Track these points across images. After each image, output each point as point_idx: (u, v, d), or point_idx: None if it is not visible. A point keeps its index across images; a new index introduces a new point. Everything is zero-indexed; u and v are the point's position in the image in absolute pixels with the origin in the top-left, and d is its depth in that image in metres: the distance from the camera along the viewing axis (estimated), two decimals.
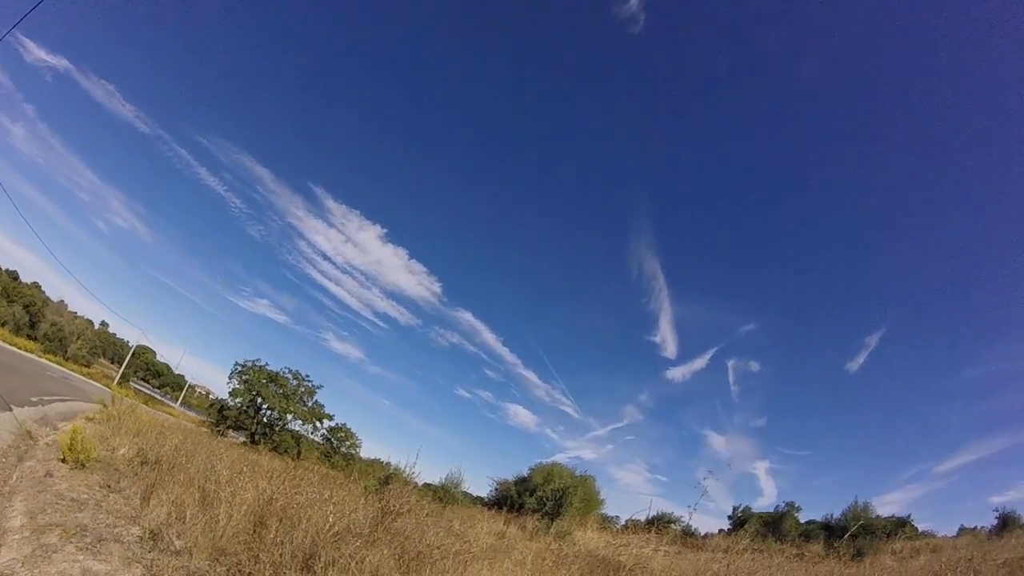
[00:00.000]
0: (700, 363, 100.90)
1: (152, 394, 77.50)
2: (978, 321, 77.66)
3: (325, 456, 37.63)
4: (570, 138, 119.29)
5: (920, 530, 29.69)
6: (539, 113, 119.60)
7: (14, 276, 76.39)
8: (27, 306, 59.00)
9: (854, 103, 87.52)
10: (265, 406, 38.93)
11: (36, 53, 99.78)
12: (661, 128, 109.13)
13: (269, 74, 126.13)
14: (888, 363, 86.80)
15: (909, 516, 30.58)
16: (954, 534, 29.27)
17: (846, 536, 26.24)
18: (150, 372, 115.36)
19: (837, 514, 30.95)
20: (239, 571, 6.84)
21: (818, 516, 32.83)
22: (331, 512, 9.00)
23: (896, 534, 27.02)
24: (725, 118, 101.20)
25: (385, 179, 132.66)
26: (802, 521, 33.00)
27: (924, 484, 74.97)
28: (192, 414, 68.84)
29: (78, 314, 79.07)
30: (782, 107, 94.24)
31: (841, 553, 21.57)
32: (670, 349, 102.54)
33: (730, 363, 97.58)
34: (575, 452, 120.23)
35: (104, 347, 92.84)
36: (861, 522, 27.85)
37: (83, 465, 10.46)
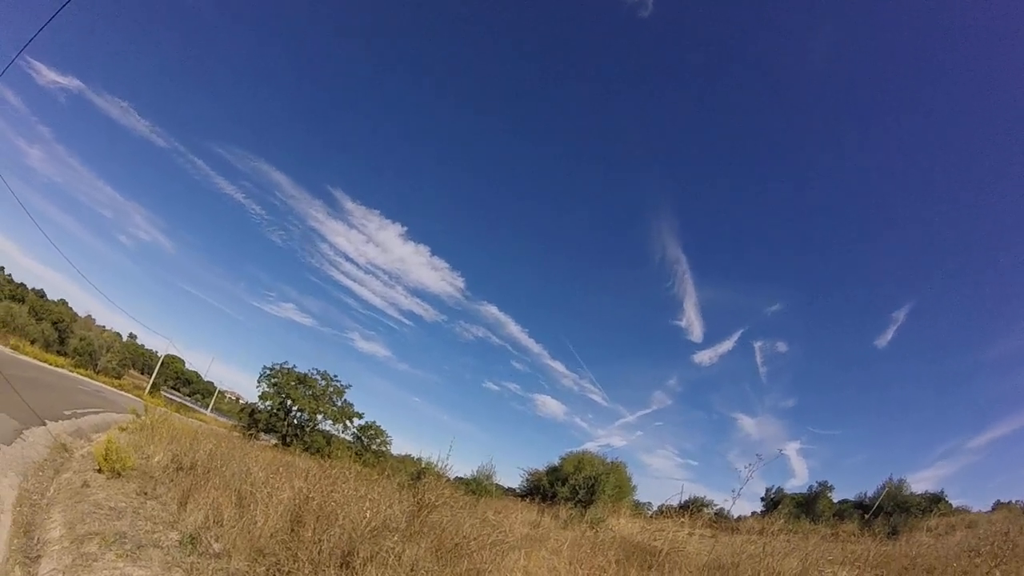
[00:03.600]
0: (727, 346, 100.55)
1: (183, 402, 78.51)
2: (1008, 292, 76.14)
3: (356, 454, 37.82)
4: (585, 126, 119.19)
5: (954, 506, 29.47)
6: (553, 103, 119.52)
7: (41, 295, 77.62)
8: (55, 323, 59.96)
9: (871, 78, 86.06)
10: (295, 408, 39.26)
11: (47, 75, 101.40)
12: (677, 111, 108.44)
13: (279, 79, 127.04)
14: (917, 337, 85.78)
15: (943, 492, 30.42)
16: (989, 509, 28.99)
17: (880, 514, 25.94)
18: (180, 380, 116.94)
19: (870, 493, 30.78)
20: (278, 570, 6.82)
21: (851, 495, 32.80)
22: (367, 508, 8.97)
23: (931, 511, 26.73)
24: (742, 98, 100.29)
25: (402, 177, 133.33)
26: (835, 501, 32.84)
27: (957, 459, 74.08)
28: (223, 419, 69.75)
29: (106, 328, 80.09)
30: (801, 82, 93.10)
31: (876, 532, 21.34)
32: (696, 333, 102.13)
33: (757, 344, 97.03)
34: (605, 440, 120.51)
35: (133, 358, 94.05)
36: (895, 500, 27.58)
37: (119, 474, 10.52)
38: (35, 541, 6.54)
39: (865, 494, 31.00)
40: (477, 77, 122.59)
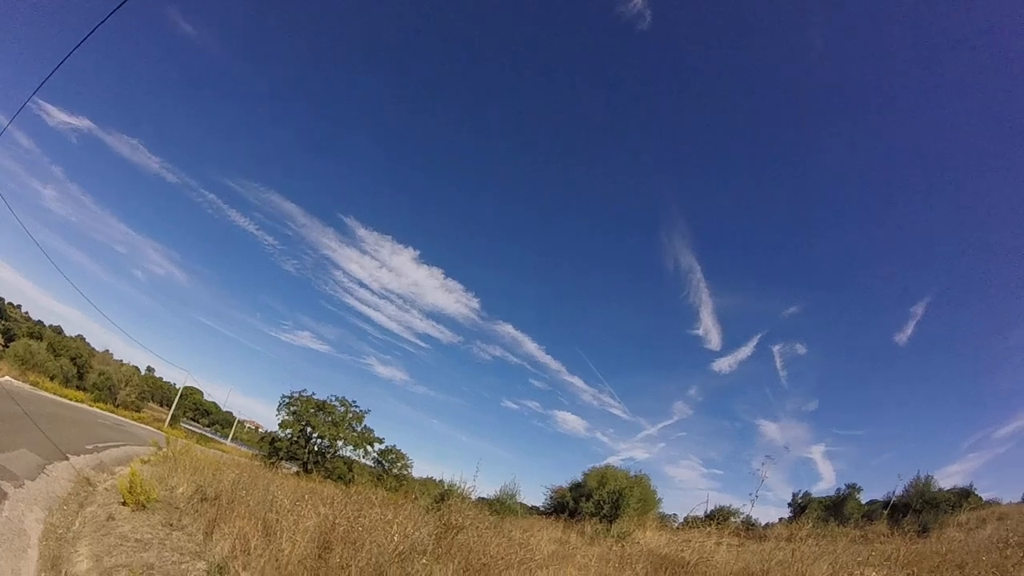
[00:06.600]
0: (745, 352, 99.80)
1: (203, 433, 78.71)
2: None
3: (378, 479, 37.69)
4: (592, 141, 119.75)
5: (985, 499, 29.13)
6: (560, 120, 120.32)
7: (58, 331, 78.32)
8: (74, 358, 60.19)
9: (878, 73, 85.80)
10: (315, 435, 39.22)
11: (58, 116, 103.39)
12: (682, 121, 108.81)
13: (286, 111, 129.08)
14: (937, 331, 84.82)
15: (972, 486, 30.06)
16: (1020, 500, 28.70)
17: (909, 513, 25.57)
18: (199, 411, 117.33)
19: (899, 492, 30.38)
20: None
21: (879, 495, 32.39)
22: (394, 532, 8.89)
23: (960, 505, 26.46)
24: (745, 104, 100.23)
25: (413, 201, 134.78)
26: (864, 502, 32.54)
27: (985, 451, 72.73)
28: (244, 449, 69.76)
29: (124, 362, 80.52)
30: (805, 81, 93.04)
31: (906, 530, 21.04)
32: (714, 341, 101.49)
33: (776, 348, 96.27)
34: (627, 453, 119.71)
35: (152, 391, 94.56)
36: (924, 497, 27.17)
37: (144, 506, 10.49)
38: (63, 575, 6.50)
39: (894, 493, 30.68)
40: (481, 98, 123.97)
